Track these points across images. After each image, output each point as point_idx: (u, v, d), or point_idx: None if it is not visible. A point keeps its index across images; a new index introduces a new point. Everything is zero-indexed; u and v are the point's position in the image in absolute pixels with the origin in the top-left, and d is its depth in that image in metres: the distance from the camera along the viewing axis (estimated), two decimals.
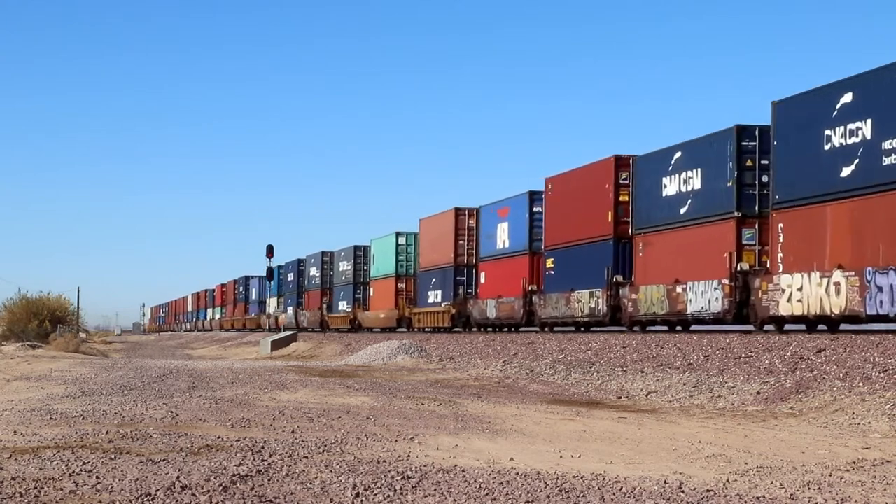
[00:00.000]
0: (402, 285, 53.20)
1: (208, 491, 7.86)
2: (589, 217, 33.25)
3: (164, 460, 9.30)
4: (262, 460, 9.38)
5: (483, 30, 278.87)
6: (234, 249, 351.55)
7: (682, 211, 28.54)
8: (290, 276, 78.85)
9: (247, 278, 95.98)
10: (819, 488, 8.38)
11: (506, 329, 41.47)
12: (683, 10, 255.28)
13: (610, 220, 31.86)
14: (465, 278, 45.27)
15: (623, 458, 10.02)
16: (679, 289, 28.26)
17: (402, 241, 53.73)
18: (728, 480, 8.74)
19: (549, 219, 36.80)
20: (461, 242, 45.45)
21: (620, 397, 17.94)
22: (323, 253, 68.88)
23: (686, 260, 28.22)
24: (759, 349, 19.51)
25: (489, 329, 42.54)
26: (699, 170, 27.86)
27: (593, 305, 32.66)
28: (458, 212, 45.75)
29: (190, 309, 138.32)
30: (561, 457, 10.10)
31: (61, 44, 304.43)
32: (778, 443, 11.29)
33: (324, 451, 10.18)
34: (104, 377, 22.24)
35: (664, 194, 29.42)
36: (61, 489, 7.87)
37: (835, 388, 14.92)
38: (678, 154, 28.95)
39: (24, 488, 7.87)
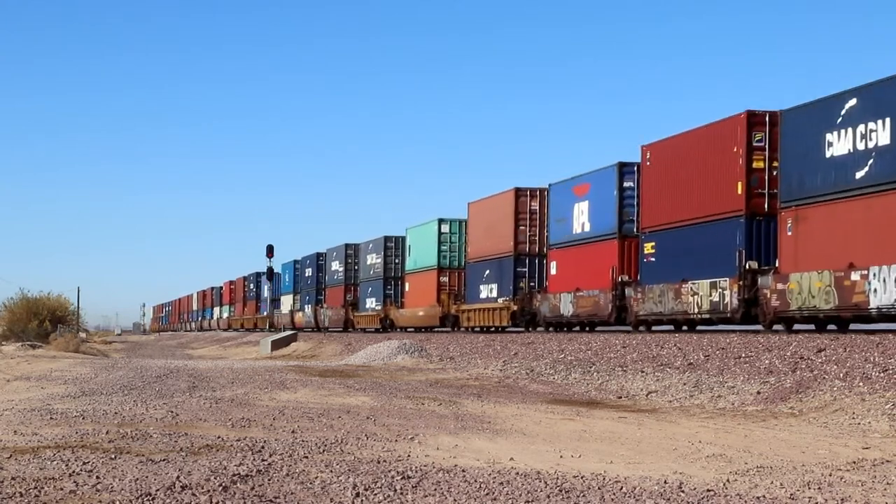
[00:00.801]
0: (444, 279, 47.08)
1: (208, 491, 7.86)
2: (708, 190, 27.35)
3: (164, 460, 9.30)
4: (263, 460, 9.38)
5: (483, 30, 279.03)
6: (234, 249, 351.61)
7: (859, 175, 22.18)
8: (308, 272, 72.22)
9: (258, 274, 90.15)
10: (819, 488, 8.38)
11: (585, 328, 35.56)
12: (683, 10, 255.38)
13: (740, 192, 25.94)
14: (526, 269, 39.40)
15: (623, 458, 10.02)
16: (855, 276, 21.90)
17: (445, 228, 47.59)
18: (728, 480, 8.74)
19: (648, 195, 30.55)
20: (522, 228, 39.64)
21: (620, 397, 17.95)
22: (347, 245, 62.84)
23: (867, 238, 21.84)
24: (760, 349, 19.51)
25: (564, 328, 36.45)
26: (887, 120, 21.37)
27: (716, 299, 26.69)
28: (520, 192, 39.97)
29: (195, 308, 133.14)
30: (561, 457, 10.10)
31: (61, 44, 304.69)
32: (778, 443, 11.29)
33: (324, 450, 10.19)
34: (104, 377, 22.24)
35: (829, 155, 23.05)
36: (61, 489, 7.87)
37: (835, 388, 14.92)
38: (852, 102, 22.42)
39: (24, 488, 7.87)
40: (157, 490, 7.82)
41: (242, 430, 12.05)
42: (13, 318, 61.85)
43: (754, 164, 25.86)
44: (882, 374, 14.95)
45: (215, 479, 8.32)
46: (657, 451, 10.63)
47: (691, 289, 27.82)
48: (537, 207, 39.50)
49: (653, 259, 30.24)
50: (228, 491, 7.88)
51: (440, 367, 26.76)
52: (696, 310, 27.67)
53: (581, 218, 34.65)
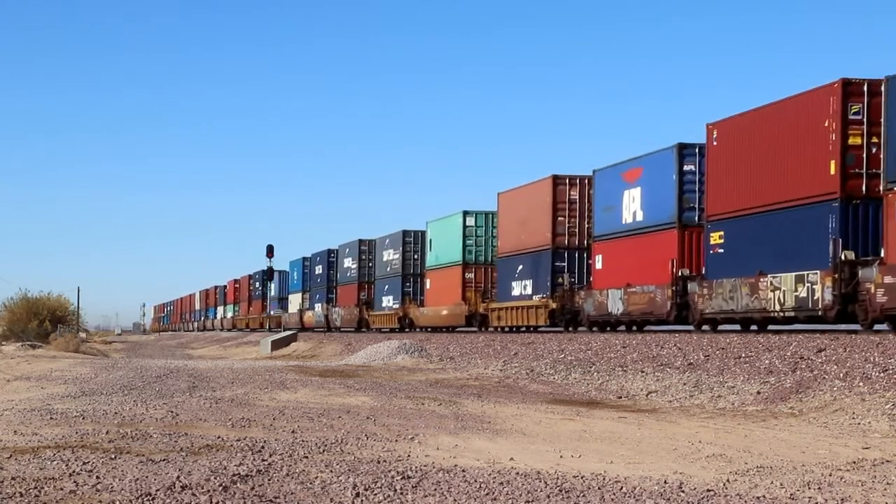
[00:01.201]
0: (470, 275, 44.09)
1: (208, 491, 7.86)
2: (791, 171, 24.17)
3: (164, 460, 9.30)
4: (263, 460, 9.38)
5: (483, 30, 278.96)
6: (234, 249, 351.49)
7: None
8: (319, 269, 68.87)
9: (264, 272, 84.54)
10: (819, 488, 8.38)
11: (633, 328, 32.40)
12: (683, 10, 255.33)
13: (833, 172, 22.72)
14: (565, 263, 36.14)
15: (623, 458, 10.02)
16: None
17: (470, 221, 44.60)
18: (728, 480, 8.74)
19: (715, 178, 27.27)
20: (560, 219, 36.38)
21: (620, 397, 17.95)
22: (361, 241, 59.75)
23: None
24: (759, 349, 19.51)
25: (609, 328, 33.41)
26: None
27: (803, 294, 23.42)
28: (558, 180, 36.79)
29: (198, 307, 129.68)
30: (561, 457, 10.10)
31: (61, 44, 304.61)
32: (778, 443, 11.29)
33: (324, 450, 10.19)
34: (104, 377, 22.24)
35: None
36: (61, 489, 7.87)
37: (835, 388, 14.92)
38: None
39: (25, 488, 7.87)
40: (157, 490, 7.83)
41: (242, 430, 12.05)
42: (13, 318, 61.83)
43: (850, 141, 22.62)
44: (882, 374, 14.95)
45: (215, 479, 8.32)
46: (657, 451, 10.63)
47: (771, 283, 24.38)
48: (577, 196, 36.47)
49: (721, 250, 26.77)
50: (228, 491, 7.88)
51: (440, 367, 26.76)
52: (778, 307, 24.29)
53: (632, 206, 31.15)
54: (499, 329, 41.02)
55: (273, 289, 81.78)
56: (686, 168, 28.94)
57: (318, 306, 68.06)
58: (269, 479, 8.41)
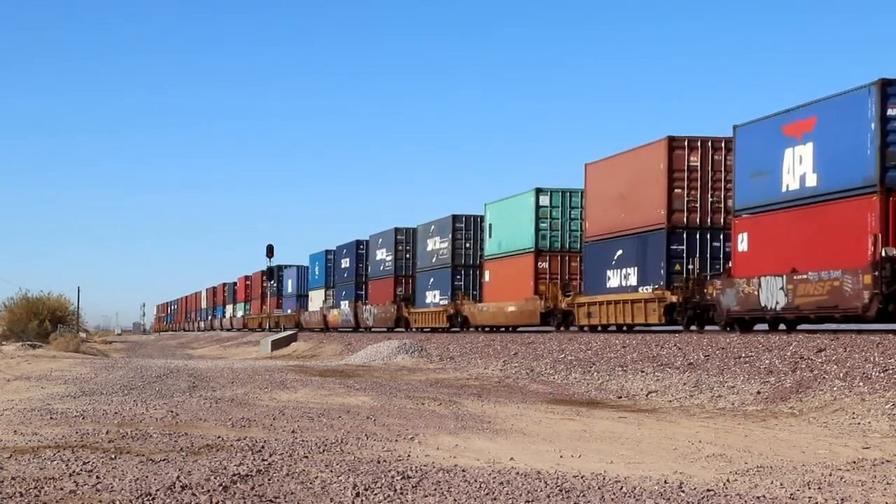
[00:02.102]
0: (544, 264, 37.25)
1: (208, 491, 7.86)
2: None
3: (164, 460, 9.30)
4: (263, 460, 9.38)
5: (483, 30, 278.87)
6: (234, 249, 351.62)
7: None
8: (346, 262, 62.39)
9: (280, 268, 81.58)
10: (819, 488, 8.39)
11: (795, 327, 25.92)
12: (683, 10, 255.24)
13: None
14: (684, 247, 29.06)
15: (623, 458, 10.03)
16: None
17: (544, 200, 37.62)
18: (728, 480, 8.74)
19: None
20: (678, 191, 29.39)
21: (620, 397, 17.95)
22: (397, 230, 53.31)
23: None
24: (760, 349, 19.51)
25: (772, 327, 26.30)
26: None
27: None
28: (675, 143, 29.55)
29: (204, 306, 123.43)
30: (561, 456, 10.10)
31: (61, 44, 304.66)
32: (778, 442, 11.29)
33: (324, 450, 10.19)
34: (104, 377, 22.24)
35: None
36: (61, 489, 7.87)
37: (835, 388, 14.93)
38: None
39: (24, 488, 7.87)
40: (157, 490, 7.83)
41: (242, 429, 12.05)
42: (13, 318, 61.86)
43: None
44: (882, 374, 14.95)
45: (215, 478, 8.32)
46: (657, 450, 10.63)
47: None
48: (698, 163, 29.43)
49: None
50: (228, 491, 7.88)
51: (440, 367, 26.76)
52: None
53: (799, 168, 23.96)
54: (587, 328, 33.77)
55: (290, 285, 77.21)
56: (891, 112, 21.49)
57: (344, 304, 62.03)
58: (269, 479, 8.41)
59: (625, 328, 32.61)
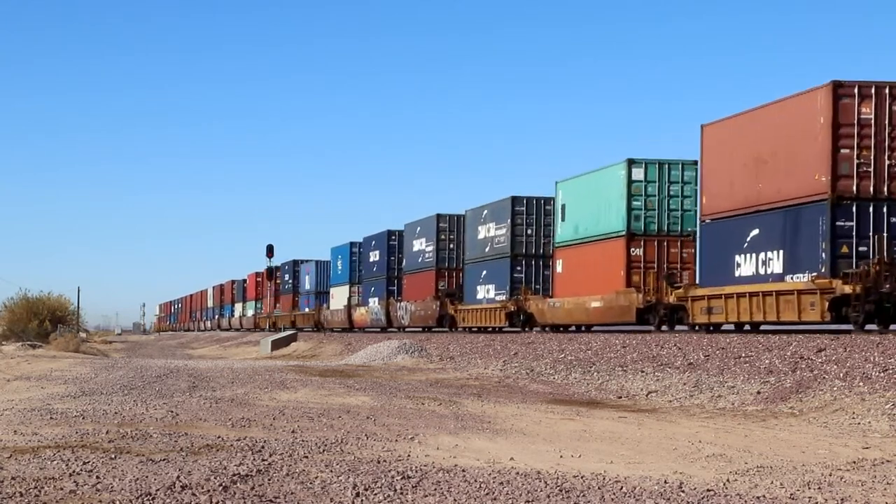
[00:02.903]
0: (637, 251, 31.07)
1: (208, 490, 7.86)
2: None
3: (164, 460, 9.30)
4: (263, 460, 9.38)
5: (483, 30, 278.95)
6: (234, 249, 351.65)
7: None
8: (375, 255, 55.96)
9: (296, 262, 75.48)
10: (819, 488, 8.39)
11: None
12: (683, 10, 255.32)
13: None
14: (853, 224, 22.68)
15: (623, 458, 10.03)
16: None
17: (637, 174, 31.32)
18: (728, 480, 8.74)
19: None
20: (846, 151, 22.74)
21: (620, 397, 17.95)
22: (439, 216, 46.91)
23: None
24: (760, 349, 19.51)
25: None
26: None
27: None
28: (841, 89, 22.88)
29: (211, 304, 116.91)
30: (561, 456, 10.10)
31: (61, 44, 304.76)
32: (778, 442, 11.29)
33: (324, 450, 10.19)
34: (104, 377, 22.24)
35: None
36: (61, 489, 7.87)
37: (835, 388, 14.93)
38: None
39: (25, 488, 7.87)
40: (157, 490, 7.83)
41: (242, 429, 12.05)
42: (13, 318, 61.86)
43: None
44: (882, 374, 14.95)
45: (215, 478, 8.32)
46: (657, 450, 10.63)
47: None
48: (871, 115, 22.78)
49: None
50: (228, 491, 7.88)
51: (440, 367, 26.76)
52: None
53: None
54: (704, 328, 27.24)
55: (308, 281, 70.72)
56: None
57: (373, 301, 55.52)
58: (269, 479, 8.41)
59: (763, 328, 26.71)
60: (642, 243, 31.33)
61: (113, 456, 9.51)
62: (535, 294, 38.53)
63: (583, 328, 35.60)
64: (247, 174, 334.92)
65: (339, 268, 63.37)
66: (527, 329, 38.02)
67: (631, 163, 31.36)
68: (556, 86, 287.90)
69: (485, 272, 42.16)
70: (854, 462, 9.80)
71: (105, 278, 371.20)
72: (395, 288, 53.03)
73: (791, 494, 8.10)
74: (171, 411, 14.08)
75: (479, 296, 42.44)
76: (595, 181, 33.50)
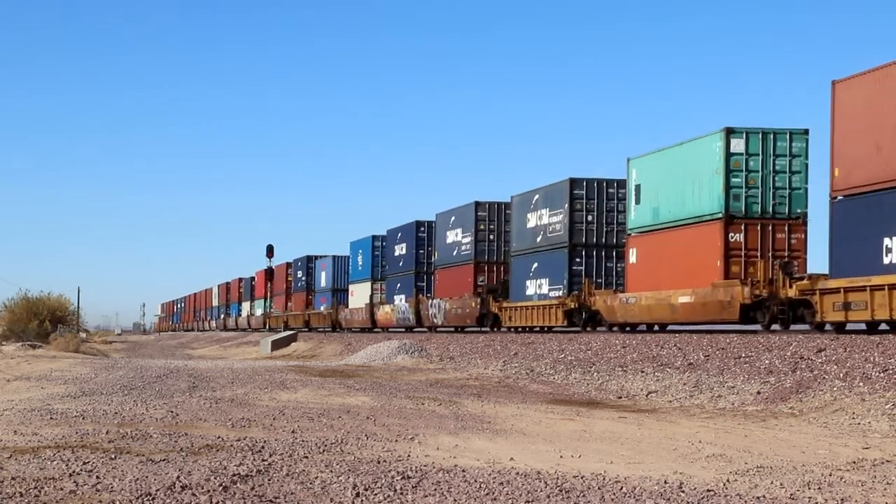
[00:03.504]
0: (737, 236, 26.47)
1: (208, 491, 7.86)
2: None
3: (164, 460, 9.30)
4: (263, 460, 9.38)
5: (483, 30, 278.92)
6: (234, 249, 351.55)
7: None
8: (401, 249, 51.15)
9: (310, 258, 70.66)
10: (819, 488, 8.39)
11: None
12: (683, 10, 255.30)
13: None
14: None
15: (623, 458, 10.03)
16: None
17: (737, 146, 26.70)
18: (728, 480, 8.74)
19: None
20: None
21: (620, 397, 17.95)
22: (478, 204, 42.47)
23: None
24: (760, 349, 19.51)
25: None
26: None
27: None
28: None
29: (216, 303, 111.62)
30: (561, 456, 10.10)
31: (61, 44, 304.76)
32: (778, 443, 11.29)
33: (324, 450, 10.19)
34: (104, 377, 22.25)
35: None
36: (61, 489, 7.87)
37: (835, 388, 14.93)
38: None
39: (25, 488, 7.87)
40: (157, 490, 7.83)
41: (242, 430, 12.06)
42: (13, 318, 61.85)
43: None
44: (882, 374, 14.95)
45: (215, 479, 8.32)
46: (657, 451, 10.63)
47: None
48: None
49: None
50: (228, 491, 7.88)
51: (440, 367, 26.76)
52: None
53: None
54: (843, 327, 22.98)
55: (324, 279, 66.05)
56: None
57: (400, 299, 50.83)
58: (269, 479, 8.41)
59: None
60: (743, 227, 26.49)
61: (113, 456, 9.51)
62: (609, 288, 33.40)
63: (655, 328, 31.14)
64: (247, 174, 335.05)
65: (360, 263, 58.58)
66: (588, 329, 33.64)
67: (730, 132, 26.73)
68: (556, 86, 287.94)
69: (536, 265, 36.90)
70: (854, 462, 9.80)
71: (105, 278, 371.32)
72: (425, 284, 48.42)
73: (791, 494, 8.10)
74: (171, 411, 14.08)
75: (529, 291, 37.18)
76: (681, 156, 28.55)
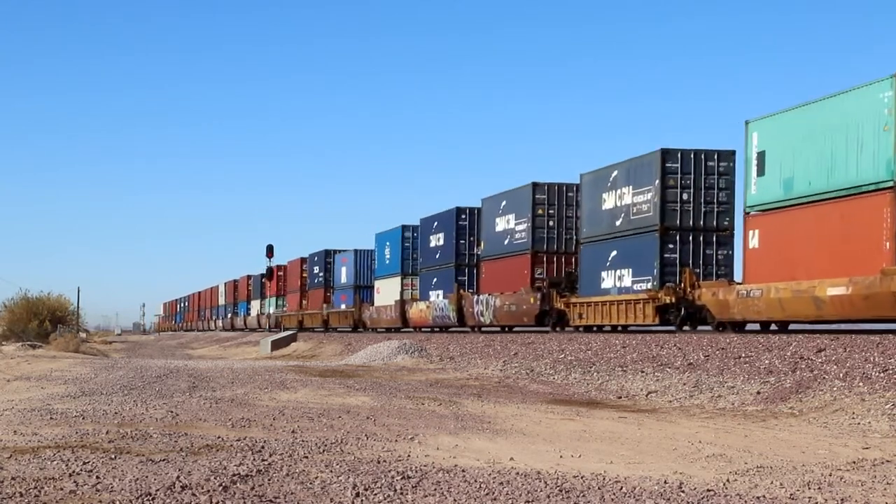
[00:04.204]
0: None
1: (208, 491, 7.86)
2: None
3: (164, 460, 9.30)
4: (262, 460, 9.38)
5: (483, 30, 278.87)
6: (234, 249, 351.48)
7: None
8: (438, 239, 46.16)
9: (328, 252, 65.85)
10: (819, 488, 8.39)
11: None
12: (683, 10, 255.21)
13: None
14: None
15: (623, 458, 10.03)
16: None
17: None
18: (728, 480, 8.74)
19: None
20: None
21: (620, 397, 17.95)
22: (536, 185, 36.84)
23: None
24: (760, 349, 19.51)
25: None
26: None
27: None
28: None
29: (223, 302, 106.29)
30: (561, 456, 10.10)
31: (61, 44, 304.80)
32: (778, 443, 11.29)
33: (324, 450, 10.19)
34: (104, 377, 22.24)
35: None
36: (61, 489, 7.87)
37: (835, 388, 14.93)
38: None
39: (24, 488, 7.87)
40: (157, 490, 7.83)
41: (242, 430, 12.05)
42: (13, 318, 61.86)
43: None
44: (882, 374, 14.95)
45: (215, 479, 8.32)
46: (657, 451, 10.63)
47: None
48: None
49: None
50: (228, 491, 7.88)
51: (440, 367, 26.76)
52: None
53: None
54: None
55: (344, 275, 61.62)
56: None
57: (437, 295, 45.82)
58: (269, 479, 8.41)
59: None
60: None
61: (113, 456, 9.51)
62: (721, 279, 27.93)
63: (783, 325, 25.96)
64: (247, 174, 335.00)
65: (387, 257, 53.21)
66: (685, 328, 28.23)
67: None
68: (556, 86, 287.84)
69: (614, 253, 31.35)
70: (854, 462, 9.80)
71: (105, 278, 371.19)
72: (467, 278, 43.56)
73: (791, 494, 8.10)
74: (171, 411, 14.08)
75: (605, 284, 31.65)
76: (828, 112, 22.85)
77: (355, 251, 60.13)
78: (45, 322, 61.37)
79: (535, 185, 36.82)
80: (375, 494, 7.87)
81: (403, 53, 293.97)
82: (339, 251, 64.09)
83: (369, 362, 30.20)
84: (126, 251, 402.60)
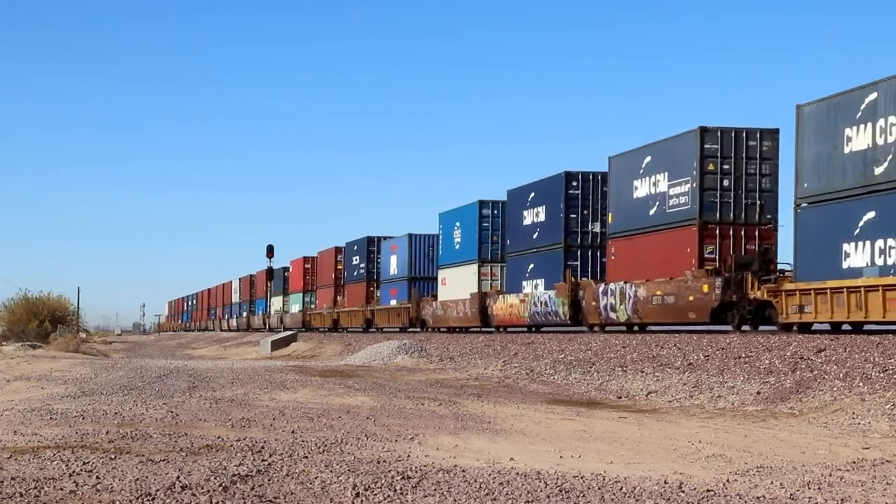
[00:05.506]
0: None
1: (208, 491, 7.86)
2: None
3: (164, 460, 9.30)
4: (262, 460, 9.38)
5: (483, 30, 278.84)
6: (234, 249, 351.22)
7: None
8: (533, 215, 36.93)
9: (371, 240, 56.84)
10: (819, 488, 8.39)
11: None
12: (683, 10, 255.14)
13: None
14: None
15: (623, 458, 10.03)
16: None
17: None
18: (728, 480, 8.74)
19: None
20: None
21: (620, 397, 17.95)
22: (704, 130, 27.25)
23: None
24: (760, 349, 19.51)
25: None
26: None
27: None
28: None
29: (236, 299, 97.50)
30: (561, 457, 10.10)
31: (61, 44, 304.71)
32: (778, 443, 11.29)
33: (324, 450, 10.19)
34: (104, 377, 22.24)
35: None
36: (61, 489, 7.87)
37: (835, 388, 14.93)
38: None
39: (24, 488, 7.87)
40: (157, 490, 7.83)
41: (242, 430, 12.05)
42: (13, 318, 61.83)
43: None
44: (882, 374, 14.95)
45: (215, 479, 8.32)
46: (657, 451, 10.64)
47: None
48: None
49: None
50: (228, 491, 7.88)
51: (440, 367, 26.76)
52: None
53: None
54: None
55: (394, 265, 52.25)
56: None
57: (534, 285, 36.40)
58: (269, 479, 8.41)
59: None
60: None
61: (113, 456, 9.51)
62: None
63: None
64: (247, 174, 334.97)
65: (457, 241, 43.71)
66: None
67: None
68: (556, 86, 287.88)
69: (870, 216, 21.26)
70: (854, 462, 9.80)
71: (105, 278, 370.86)
72: (579, 263, 34.15)
73: (791, 494, 8.10)
74: (171, 411, 14.08)
75: (847, 264, 21.66)
76: None
77: (409, 236, 50.80)
78: (45, 322, 61.34)
79: (702, 130, 27.29)
80: (375, 494, 7.87)
81: (403, 53, 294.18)
82: (387, 238, 54.93)
83: (369, 362, 30.20)
84: (126, 251, 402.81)
